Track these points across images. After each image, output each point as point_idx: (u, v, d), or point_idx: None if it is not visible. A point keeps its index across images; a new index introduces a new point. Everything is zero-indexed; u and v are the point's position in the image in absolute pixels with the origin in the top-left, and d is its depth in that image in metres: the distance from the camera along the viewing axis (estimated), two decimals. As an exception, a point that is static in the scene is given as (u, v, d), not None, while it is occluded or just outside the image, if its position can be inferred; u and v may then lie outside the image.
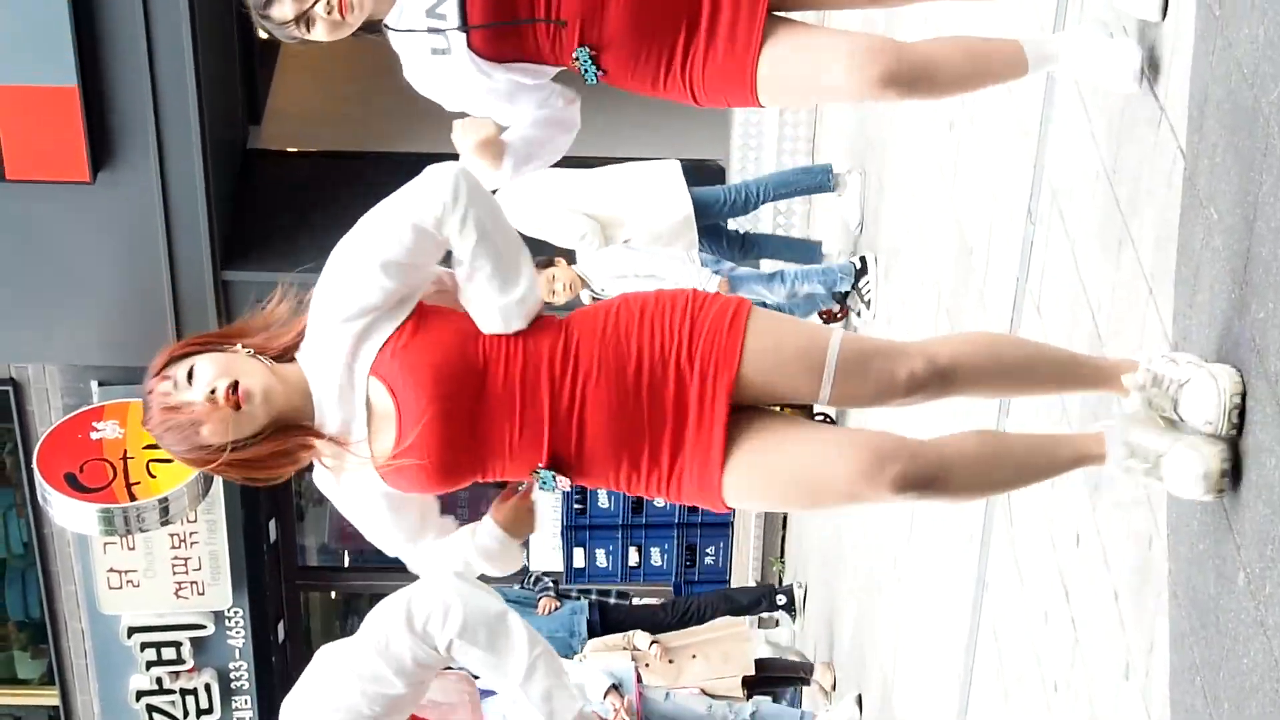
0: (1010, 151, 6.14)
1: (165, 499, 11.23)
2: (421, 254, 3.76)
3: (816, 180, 9.82)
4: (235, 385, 3.68)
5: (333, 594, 17.12)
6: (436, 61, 4.46)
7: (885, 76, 4.27)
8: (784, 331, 3.86)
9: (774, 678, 10.96)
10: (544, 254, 8.95)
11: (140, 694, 13.58)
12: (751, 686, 10.32)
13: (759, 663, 10.29)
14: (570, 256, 9.09)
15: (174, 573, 13.06)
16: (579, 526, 13.87)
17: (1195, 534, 3.92)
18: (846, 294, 9.56)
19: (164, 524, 11.60)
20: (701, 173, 12.47)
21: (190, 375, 3.73)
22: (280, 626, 14.53)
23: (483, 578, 4.17)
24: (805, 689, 10.82)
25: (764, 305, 9.80)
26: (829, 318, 9.67)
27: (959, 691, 6.77)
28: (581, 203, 9.15)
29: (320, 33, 4.30)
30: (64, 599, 13.50)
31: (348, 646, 4.04)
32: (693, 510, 14.35)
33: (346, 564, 16.88)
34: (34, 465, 11.22)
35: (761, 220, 11.19)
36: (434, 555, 4.08)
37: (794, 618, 11.36)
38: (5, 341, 11.98)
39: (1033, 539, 5.74)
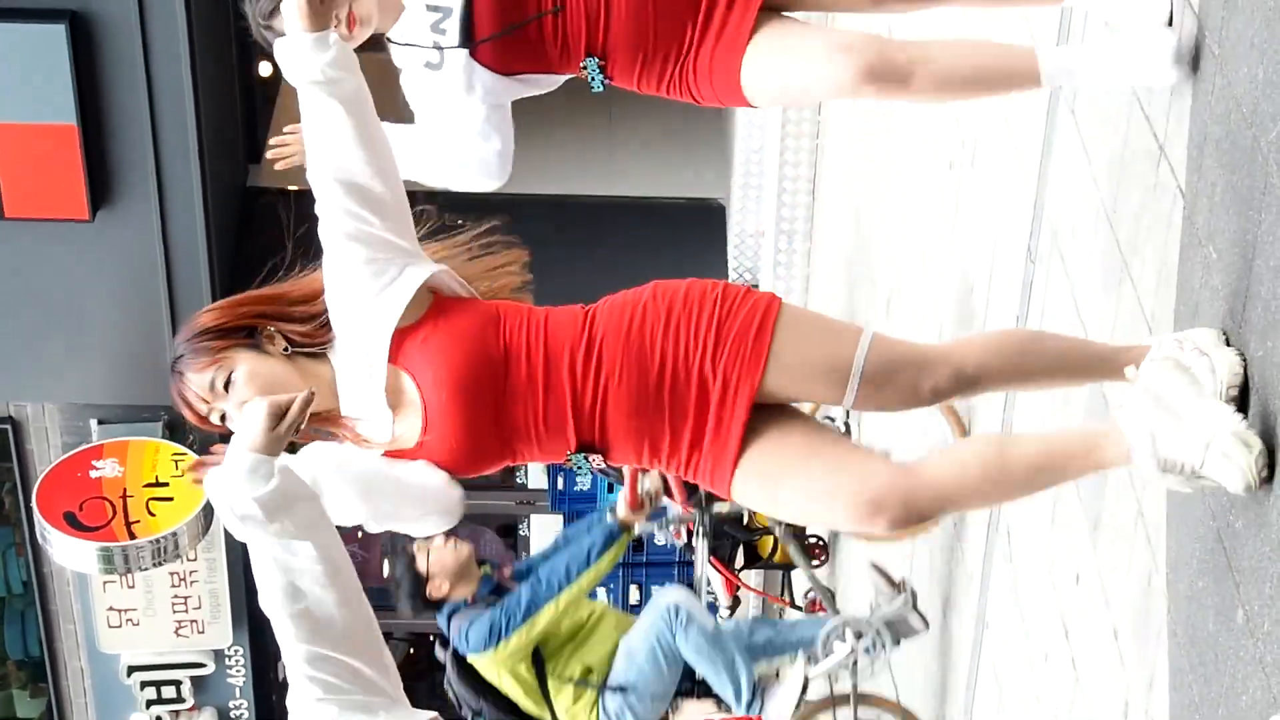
0: (1011, 191, 6.14)
1: (165, 537, 11.21)
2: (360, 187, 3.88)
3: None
4: None
5: (332, 633, 17.08)
6: (427, 75, 4.49)
7: (863, 73, 4.23)
8: (812, 339, 3.83)
9: None
10: None
11: (140, 732, 13.57)
12: None
13: None
14: None
15: (174, 611, 13.04)
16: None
17: (1194, 572, 3.91)
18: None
19: (163, 562, 11.58)
20: (703, 211, 12.51)
21: (228, 384, 3.75)
22: (280, 665, 14.49)
23: None
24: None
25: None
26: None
27: (959, 731, 6.76)
28: None
29: None
30: (63, 638, 13.48)
31: None
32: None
33: (346, 602, 16.85)
34: (33, 504, 11.20)
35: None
36: None
37: None
38: (4, 380, 11.97)
39: (1033, 578, 5.73)
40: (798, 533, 10.01)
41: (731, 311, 3.82)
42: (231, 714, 13.66)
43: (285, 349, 3.85)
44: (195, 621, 13.11)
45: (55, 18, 10.27)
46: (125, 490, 11.34)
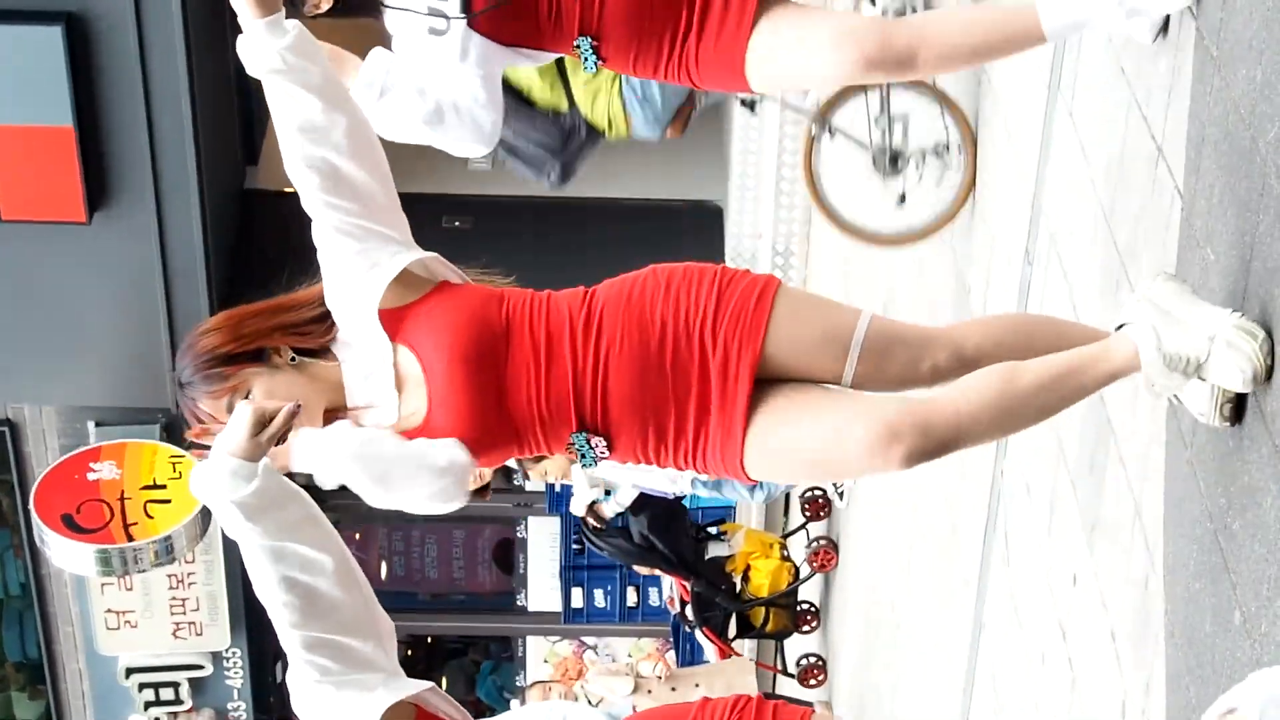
0: (1009, 193, 6.14)
1: (163, 540, 11.18)
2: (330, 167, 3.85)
3: None
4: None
5: (330, 634, 17.07)
6: (431, 43, 4.46)
7: (868, 60, 4.23)
8: (811, 313, 3.83)
9: None
10: None
11: (138, 734, 13.57)
12: None
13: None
14: None
15: (172, 613, 13.04)
16: (577, 567, 13.85)
17: (1191, 574, 3.91)
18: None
19: (162, 565, 11.56)
20: (700, 213, 12.51)
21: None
22: (278, 667, 14.49)
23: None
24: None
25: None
26: (813, 510, 10.10)
27: (957, 733, 6.76)
28: None
29: None
30: (62, 640, 13.48)
31: None
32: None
33: (344, 604, 16.85)
34: (31, 506, 11.16)
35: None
36: None
37: None
38: (2, 382, 11.98)
39: (1030, 580, 5.73)
40: (789, 602, 10.25)
41: (731, 282, 3.83)
42: (230, 715, 13.66)
43: (292, 358, 3.84)
44: (193, 623, 13.11)
45: (51, 19, 10.27)
46: (123, 492, 11.31)
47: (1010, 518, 6.07)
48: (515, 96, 7.88)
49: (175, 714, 13.53)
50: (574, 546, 14.17)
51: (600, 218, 12.31)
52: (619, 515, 9.87)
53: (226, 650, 13.34)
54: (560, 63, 7.69)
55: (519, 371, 3.78)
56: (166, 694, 13.43)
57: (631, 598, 13.89)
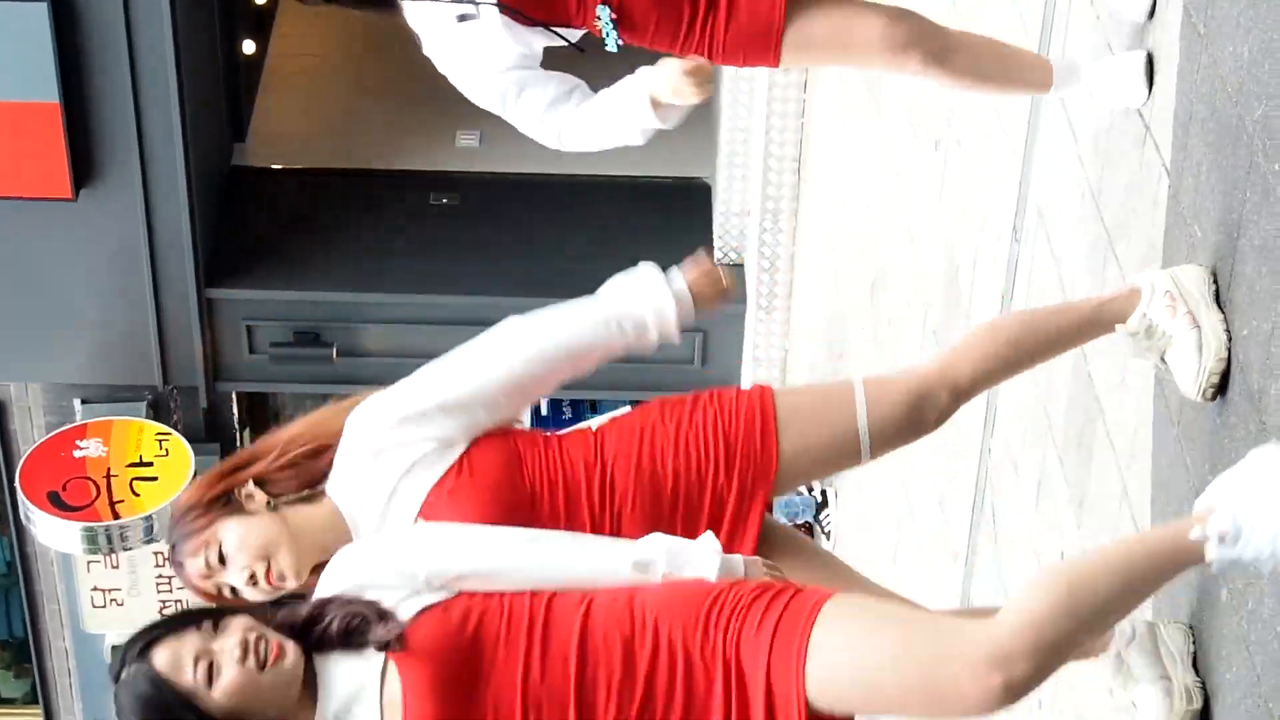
0: (996, 170, 6.14)
1: (149, 517, 11.20)
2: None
3: None
4: (268, 570, 3.63)
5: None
6: (463, 29, 4.36)
7: (914, 47, 4.32)
8: (812, 424, 3.82)
9: None
10: None
11: (124, 713, 13.54)
12: None
13: None
14: None
15: (158, 591, 13.04)
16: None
17: (1180, 552, 3.91)
18: (809, 524, 10.34)
19: (148, 542, 11.57)
20: (687, 191, 12.49)
21: (221, 558, 3.65)
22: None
23: None
24: None
25: None
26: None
27: None
28: None
29: None
30: (48, 618, 13.47)
31: None
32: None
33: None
34: (16, 484, 11.20)
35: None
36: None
37: None
38: (-12, 359, 11.98)
39: (1017, 558, 5.73)
40: None
41: (733, 419, 3.80)
42: (215, 695, 13.65)
43: (269, 503, 3.72)
44: (180, 601, 13.08)
45: (38, -5, 10.25)
46: (109, 470, 11.33)
47: (998, 495, 6.07)
48: None
49: (161, 692, 13.52)
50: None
51: (587, 194, 12.28)
52: None
53: (213, 629, 13.33)
54: None
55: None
56: (153, 672, 13.42)
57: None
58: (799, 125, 10.84)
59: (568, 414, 12.85)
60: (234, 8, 12.91)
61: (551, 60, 4.54)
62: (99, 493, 11.11)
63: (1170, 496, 4.02)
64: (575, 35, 4.51)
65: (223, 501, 3.71)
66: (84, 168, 10.86)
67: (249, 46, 13.64)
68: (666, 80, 4.13)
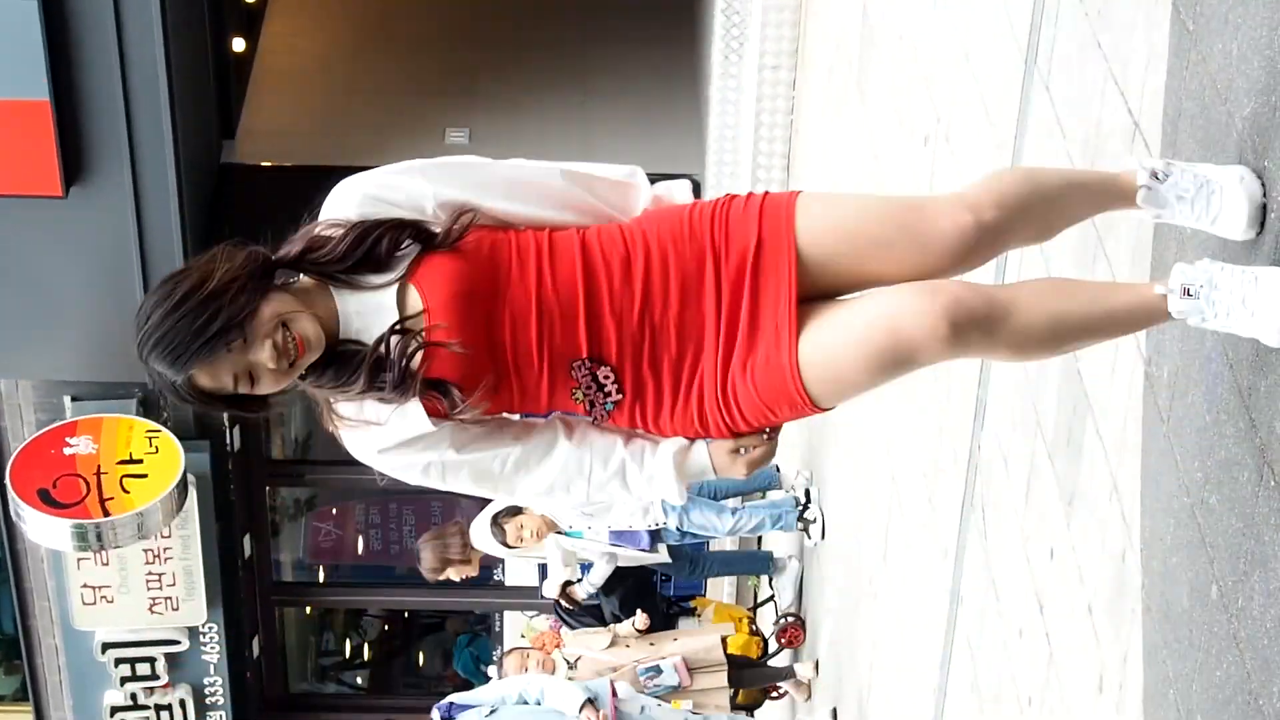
0: (985, 166, 6.15)
1: (139, 515, 11.20)
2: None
3: (759, 565, 11.62)
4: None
5: (307, 609, 17.09)
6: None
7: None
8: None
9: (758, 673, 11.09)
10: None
11: (115, 710, 13.53)
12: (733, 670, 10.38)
13: (736, 662, 10.26)
14: None
15: (148, 588, 13.02)
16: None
17: (1169, 548, 3.93)
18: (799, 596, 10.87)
19: (138, 539, 11.57)
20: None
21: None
22: (255, 642, 14.50)
23: None
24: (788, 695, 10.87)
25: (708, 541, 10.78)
26: (788, 638, 10.75)
27: (934, 706, 6.78)
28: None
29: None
30: (38, 615, 13.46)
31: None
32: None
33: (321, 579, 16.86)
34: (6, 481, 11.18)
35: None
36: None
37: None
38: (-23, 357, 11.96)
39: (1007, 554, 5.75)
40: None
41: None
42: (206, 691, 13.65)
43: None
44: (170, 598, 13.09)
45: (28, -7, 10.23)
46: (99, 467, 11.32)
47: (988, 491, 6.08)
48: None
49: (151, 689, 13.52)
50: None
51: (577, 191, 12.28)
52: (592, 595, 10.31)
53: (203, 626, 13.33)
54: None
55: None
56: (143, 669, 13.42)
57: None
58: (788, 122, 10.88)
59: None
60: (224, 5, 12.91)
61: None
62: (89, 490, 11.10)
63: (1160, 491, 4.03)
64: None
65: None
66: (74, 165, 10.86)
67: (239, 44, 13.64)
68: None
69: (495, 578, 15.02)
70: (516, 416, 3.75)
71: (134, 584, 12.99)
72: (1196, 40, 3.82)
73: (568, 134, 12.78)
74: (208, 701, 13.69)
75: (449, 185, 3.69)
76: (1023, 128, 5.62)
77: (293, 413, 14.67)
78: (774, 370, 3.50)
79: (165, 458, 11.33)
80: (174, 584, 13.04)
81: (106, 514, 11.05)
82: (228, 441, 12.89)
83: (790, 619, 10.78)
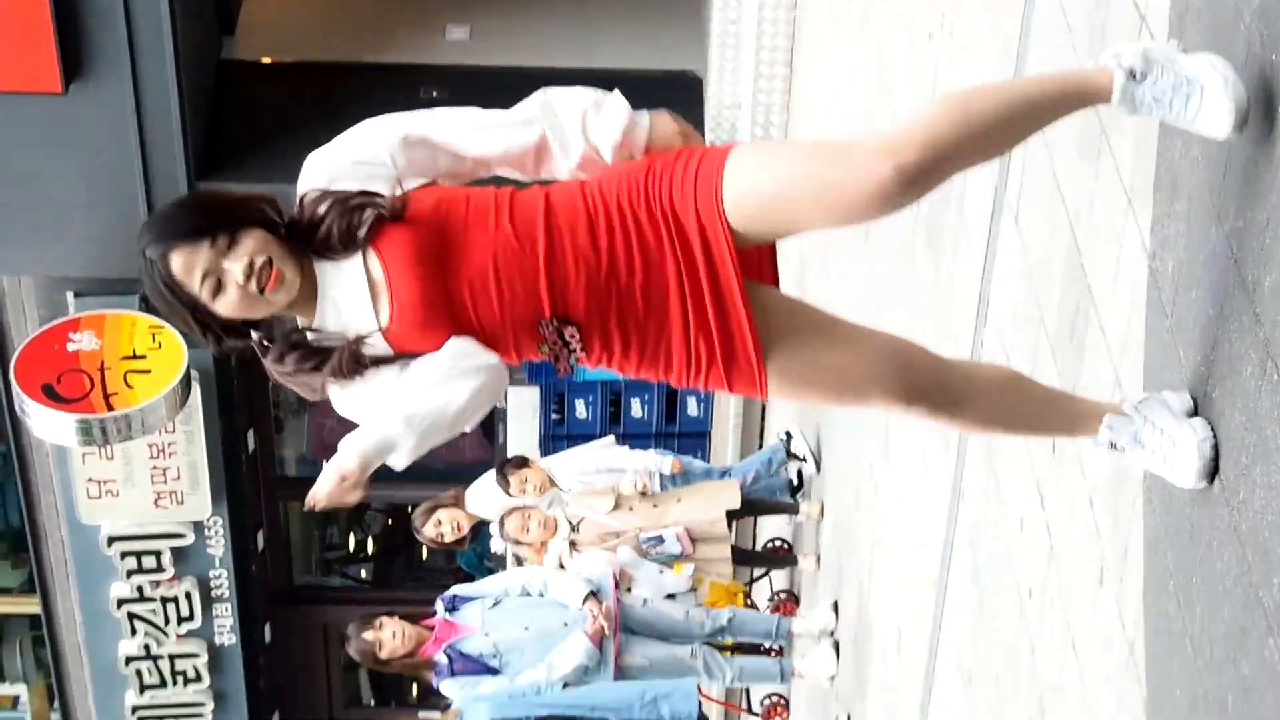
0: (991, 62, 6.13)
1: (143, 409, 11.21)
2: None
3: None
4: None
5: (311, 503, 17.14)
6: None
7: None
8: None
9: (760, 550, 11.14)
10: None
11: (121, 602, 13.64)
12: (738, 519, 10.42)
13: (745, 500, 10.22)
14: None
15: (153, 483, 13.10)
16: (557, 436, 13.92)
17: (1171, 442, 3.94)
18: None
19: (142, 434, 11.60)
20: (678, 84, 12.45)
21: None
22: (259, 535, 14.58)
23: None
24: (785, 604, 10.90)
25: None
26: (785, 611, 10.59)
27: (934, 599, 6.82)
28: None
29: None
30: (44, 509, 13.53)
31: None
32: (669, 420, 14.44)
33: (324, 474, 16.90)
34: (11, 376, 11.20)
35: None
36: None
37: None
38: (-21, 254, 11.97)
39: (1008, 446, 5.77)
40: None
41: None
42: (211, 583, 13.75)
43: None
44: (174, 493, 13.16)
45: (26, -115, 10.18)
46: (103, 363, 11.33)
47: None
48: None
49: (158, 582, 13.62)
50: (553, 416, 14.21)
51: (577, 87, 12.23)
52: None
53: (208, 519, 13.41)
54: None
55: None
56: (149, 562, 13.51)
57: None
58: (791, 17, 10.82)
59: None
60: (223, -102, 12.83)
61: None
62: (93, 385, 11.11)
63: (1163, 386, 4.05)
64: None
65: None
66: (73, 61, 10.83)
67: (237, -61, 13.56)
68: None
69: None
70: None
71: (139, 478, 13.06)
72: (1203, -66, 3.81)
73: (566, 30, 12.72)
74: (213, 594, 13.80)
75: (410, 125, 3.89)
76: (1028, 22, 5.60)
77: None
78: (745, 385, 3.84)
79: (168, 353, 11.34)
80: (179, 478, 13.10)
81: (110, 409, 11.06)
82: (230, 337, 12.89)
83: (782, 595, 10.80)
